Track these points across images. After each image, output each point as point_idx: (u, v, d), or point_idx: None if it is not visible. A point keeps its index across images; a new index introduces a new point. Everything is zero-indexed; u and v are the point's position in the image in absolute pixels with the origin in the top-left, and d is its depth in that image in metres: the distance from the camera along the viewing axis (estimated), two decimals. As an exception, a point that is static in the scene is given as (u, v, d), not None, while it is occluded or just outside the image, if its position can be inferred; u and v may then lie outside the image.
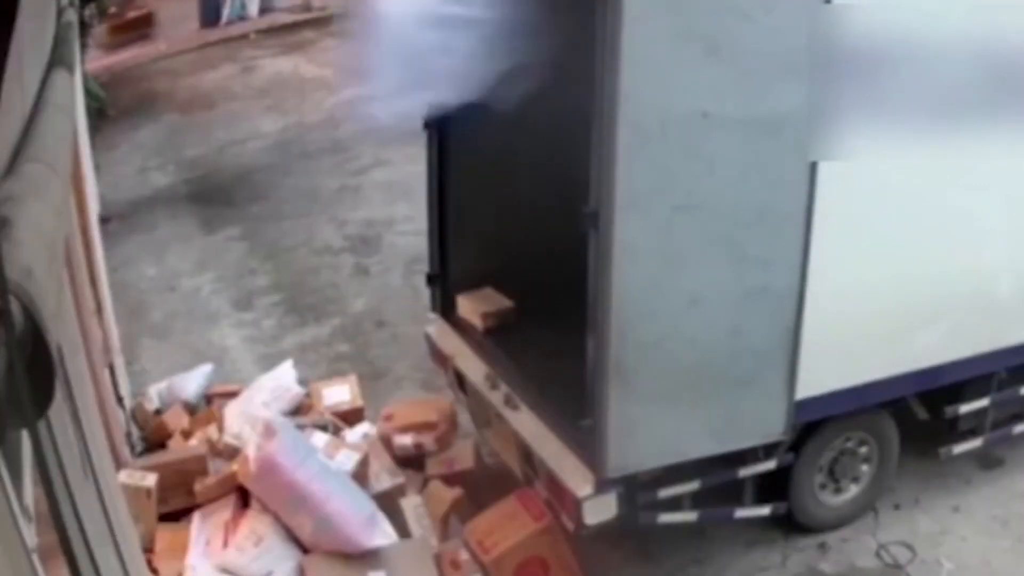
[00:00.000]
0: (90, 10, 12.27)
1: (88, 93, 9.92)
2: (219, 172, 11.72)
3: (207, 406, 6.38)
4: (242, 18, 18.43)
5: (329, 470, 4.95)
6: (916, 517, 5.64)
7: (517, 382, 5.45)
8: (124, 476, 5.06)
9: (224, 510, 5.16)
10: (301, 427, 5.54)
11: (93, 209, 6.85)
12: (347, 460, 5.21)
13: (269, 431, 5.01)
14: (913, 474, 5.84)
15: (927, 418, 5.54)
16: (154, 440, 6.04)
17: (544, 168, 5.70)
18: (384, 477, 5.35)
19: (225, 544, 4.92)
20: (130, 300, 8.29)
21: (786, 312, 4.64)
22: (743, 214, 4.44)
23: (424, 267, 6.37)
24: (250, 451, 5.14)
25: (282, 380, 6.22)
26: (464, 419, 6.08)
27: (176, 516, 5.30)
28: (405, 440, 5.74)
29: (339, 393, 6.21)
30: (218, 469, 5.46)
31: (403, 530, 5.08)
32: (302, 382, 6.36)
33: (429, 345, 6.27)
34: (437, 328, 6.20)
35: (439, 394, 6.42)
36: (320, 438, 5.35)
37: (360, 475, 5.20)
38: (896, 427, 5.49)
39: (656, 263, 4.39)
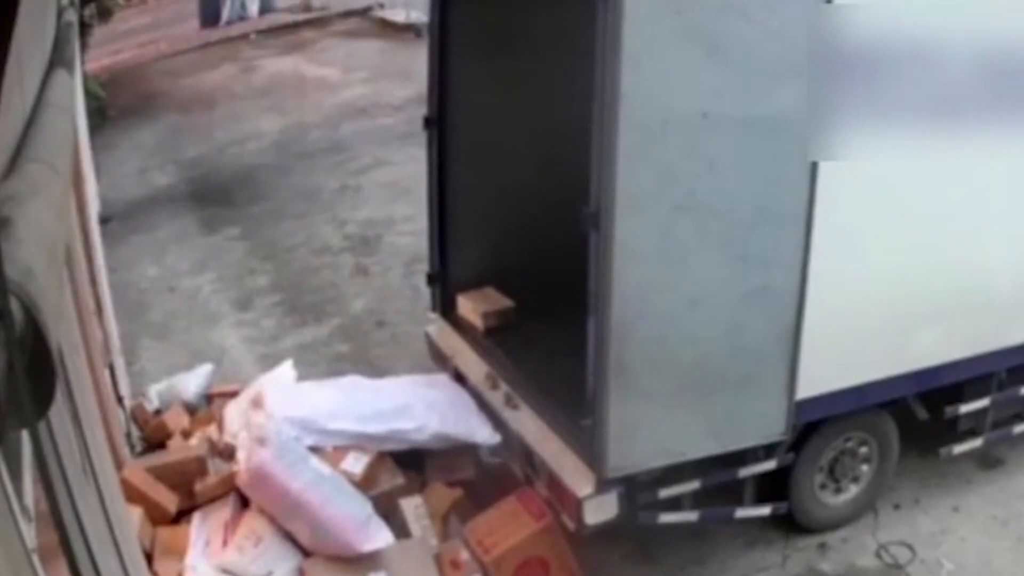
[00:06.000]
0: (90, 10, 12.27)
1: (88, 93, 9.93)
2: (219, 172, 11.74)
3: (207, 406, 6.38)
4: (242, 18, 18.47)
5: (323, 476, 4.94)
6: (916, 517, 5.64)
7: (517, 382, 5.46)
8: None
9: (224, 510, 5.16)
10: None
11: (93, 209, 6.85)
12: (356, 463, 5.20)
13: (260, 439, 5.00)
14: (913, 474, 5.85)
15: (927, 418, 5.54)
16: (154, 440, 6.03)
17: (544, 168, 5.71)
18: (384, 477, 5.34)
19: (225, 544, 4.92)
20: (130, 300, 8.30)
21: (786, 312, 4.65)
22: (743, 214, 4.44)
23: (424, 267, 6.38)
24: (241, 458, 5.13)
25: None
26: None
27: (176, 516, 5.29)
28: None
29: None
30: (218, 469, 5.46)
31: (403, 530, 5.08)
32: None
33: (429, 345, 6.28)
34: (437, 328, 6.21)
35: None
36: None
37: (368, 478, 5.20)
38: (896, 427, 5.50)
39: (656, 263, 4.39)
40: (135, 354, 7.45)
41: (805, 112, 4.26)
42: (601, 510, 4.74)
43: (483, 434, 5.45)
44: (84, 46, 11.06)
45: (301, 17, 18.56)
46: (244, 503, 5.14)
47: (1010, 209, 5.13)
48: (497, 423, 5.44)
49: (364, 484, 5.14)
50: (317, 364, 7.28)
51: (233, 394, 6.22)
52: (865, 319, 4.91)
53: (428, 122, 5.92)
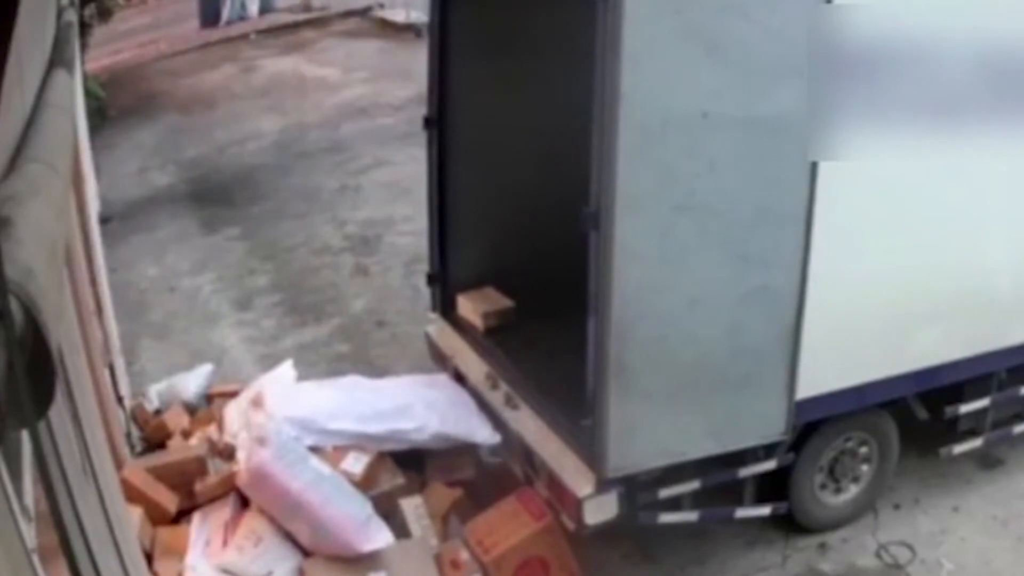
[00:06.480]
0: (90, 10, 12.28)
1: (88, 93, 9.93)
2: (219, 172, 11.74)
3: (207, 406, 6.38)
4: (242, 18, 18.48)
5: (323, 476, 4.94)
6: (916, 517, 5.64)
7: (517, 382, 5.46)
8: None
9: (224, 510, 5.16)
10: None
11: (93, 209, 6.85)
12: (356, 463, 5.21)
13: (261, 439, 5.00)
14: (913, 474, 5.85)
15: (927, 418, 5.54)
16: (154, 440, 6.03)
17: (544, 168, 5.71)
18: (384, 477, 5.35)
19: (225, 544, 4.92)
20: (130, 300, 8.30)
21: (786, 312, 4.65)
22: (743, 214, 4.44)
23: (424, 267, 6.38)
24: (241, 458, 5.14)
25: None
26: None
27: (176, 516, 5.29)
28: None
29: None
30: (218, 469, 5.46)
31: (403, 530, 5.08)
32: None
33: (429, 345, 6.27)
34: (437, 328, 6.21)
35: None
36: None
37: (368, 478, 5.20)
38: (896, 427, 5.50)
39: (656, 263, 4.39)
40: (135, 354, 7.45)
41: (805, 112, 4.26)
42: (601, 510, 4.74)
43: (483, 434, 5.45)
44: (84, 46, 11.06)
45: (301, 17, 18.56)
46: (244, 503, 5.14)
47: (1010, 209, 5.13)
48: (497, 423, 5.44)
49: (364, 484, 5.15)
50: (317, 364, 7.28)
51: (233, 394, 6.22)
52: (865, 319, 4.91)
53: (428, 122, 5.92)
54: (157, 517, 5.20)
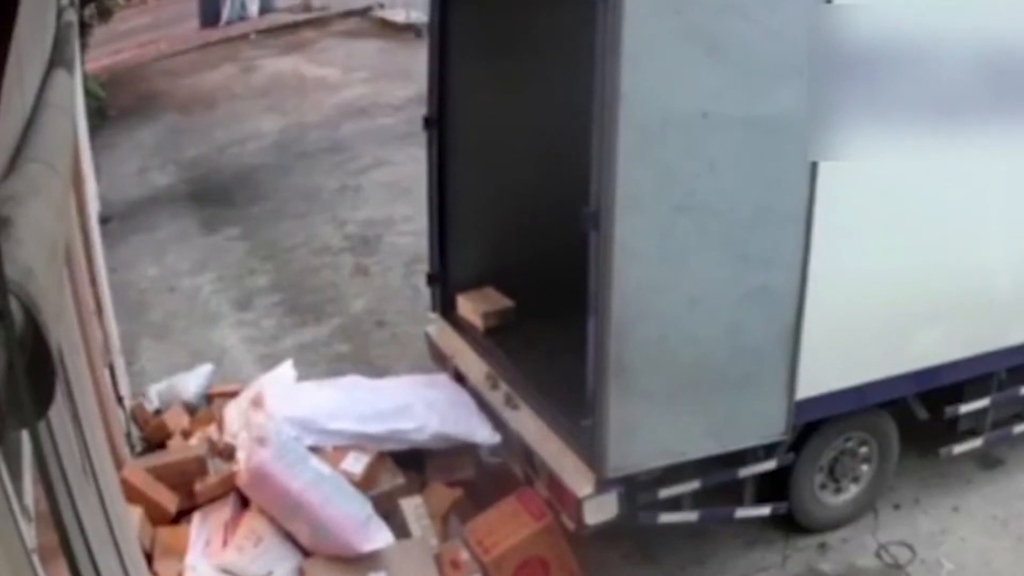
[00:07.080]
0: (90, 10, 12.28)
1: (88, 93, 9.93)
2: (219, 172, 11.74)
3: (207, 406, 6.38)
4: (242, 18, 18.48)
5: (323, 476, 4.94)
6: (916, 517, 5.64)
7: (517, 382, 5.46)
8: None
9: (224, 510, 5.16)
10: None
11: (93, 209, 6.85)
12: (356, 463, 5.21)
13: (261, 439, 5.00)
14: (913, 474, 5.85)
15: (927, 418, 5.54)
16: (154, 440, 6.03)
17: (544, 168, 5.71)
18: (384, 477, 5.35)
19: (225, 544, 4.92)
20: (130, 300, 8.30)
21: (786, 312, 4.65)
22: (743, 214, 4.44)
23: (424, 267, 6.39)
24: (241, 458, 5.14)
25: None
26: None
27: (176, 516, 5.29)
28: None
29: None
30: (218, 469, 5.46)
31: (403, 530, 5.08)
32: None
33: (429, 345, 6.28)
34: (437, 328, 6.21)
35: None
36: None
37: (368, 478, 5.20)
38: (896, 427, 5.50)
39: (656, 263, 4.39)
40: (135, 354, 7.45)
41: (805, 112, 4.26)
42: (601, 510, 4.74)
43: (483, 434, 5.45)
44: (84, 46, 11.06)
45: (301, 17, 18.57)
46: (244, 503, 5.14)
47: (1010, 209, 5.13)
48: (497, 423, 5.44)
49: (364, 484, 5.15)
50: (317, 364, 7.28)
51: (233, 394, 6.22)
52: (865, 319, 4.91)
53: (428, 122, 5.92)
54: (157, 517, 5.20)
